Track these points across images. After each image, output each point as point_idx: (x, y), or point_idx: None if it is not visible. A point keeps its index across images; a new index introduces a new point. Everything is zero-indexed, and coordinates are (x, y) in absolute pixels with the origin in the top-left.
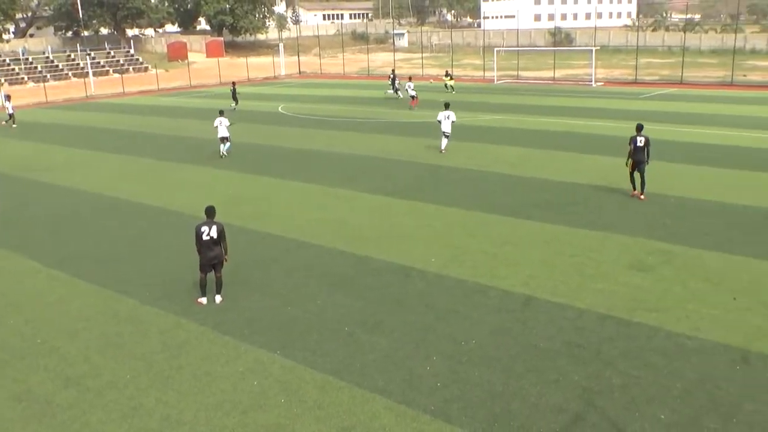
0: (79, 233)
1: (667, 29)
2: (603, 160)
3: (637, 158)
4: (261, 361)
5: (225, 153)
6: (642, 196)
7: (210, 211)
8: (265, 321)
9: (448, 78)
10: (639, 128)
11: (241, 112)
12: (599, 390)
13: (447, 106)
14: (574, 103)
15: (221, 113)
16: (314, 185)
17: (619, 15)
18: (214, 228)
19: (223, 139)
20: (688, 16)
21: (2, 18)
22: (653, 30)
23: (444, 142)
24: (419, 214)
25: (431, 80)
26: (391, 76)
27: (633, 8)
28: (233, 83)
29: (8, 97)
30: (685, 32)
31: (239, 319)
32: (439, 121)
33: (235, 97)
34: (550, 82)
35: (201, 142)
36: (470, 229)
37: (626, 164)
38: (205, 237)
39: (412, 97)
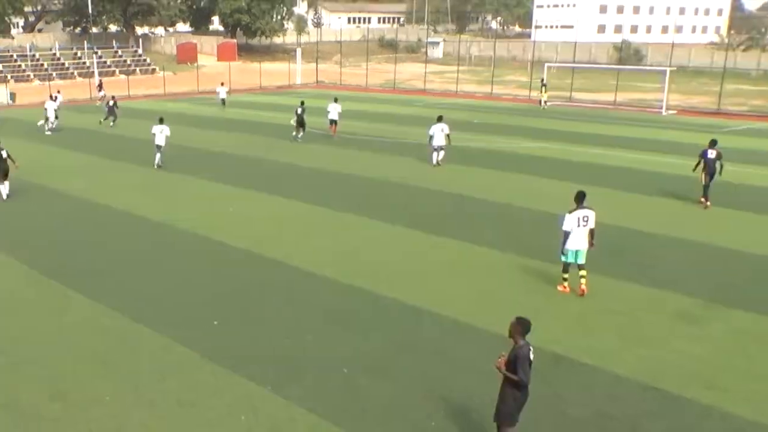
0: (74, 243)
1: (764, 49)
2: (668, 204)
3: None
4: (250, 396)
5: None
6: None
7: None
8: (259, 353)
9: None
10: (713, 143)
11: (249, 123)
12: None
13: (440, 119)
14: (637, 134)
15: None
16: (326, 209)
17: (705, 30)
18: None
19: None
20: None
21: (11, 11)
22: (745, 49)
23: (437, 155)
24: (441, 251)
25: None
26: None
27: (723, 22)
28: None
29: (222, 83)
30: None
31: (231, 348)
32: (431, 135)
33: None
34: (609, 106)
35: (207, 155)
36: (498, 273)
37: (694, 170)
38: None
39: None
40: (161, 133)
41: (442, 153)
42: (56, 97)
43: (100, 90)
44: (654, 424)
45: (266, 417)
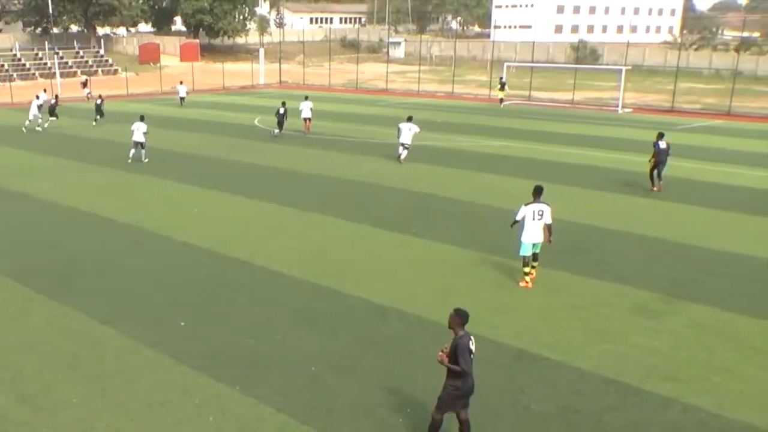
0: (39, 244)
1: (715, 48)
2: (625, 200)
3: (661, 159)
4: (219, 396)
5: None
6: (657, 188)
7: None
8: (226, 353)
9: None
10: (661, 135)
11: (212, 123)
12: None
13: (410, 119)
14: (595, 132)
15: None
16: (292, 209)
17: (659, 30)
18: None
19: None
20: (744, 34)
21: None
22: (697, 49)
23: (401, 150)
24: (406, 249)
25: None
26: None
27: (676, 22)
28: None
29: (181, 82)
30: (738, 53)
31: (198, 349)
32: (399, 130)
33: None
34: (567, 105)
35: (171, 155)
36: (462, 270)
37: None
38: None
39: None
40: (138, 130)
41: (405, 152)
42: (39, 96)
43: (84, 87)
44: (617, 418)
45: (235, 417)
